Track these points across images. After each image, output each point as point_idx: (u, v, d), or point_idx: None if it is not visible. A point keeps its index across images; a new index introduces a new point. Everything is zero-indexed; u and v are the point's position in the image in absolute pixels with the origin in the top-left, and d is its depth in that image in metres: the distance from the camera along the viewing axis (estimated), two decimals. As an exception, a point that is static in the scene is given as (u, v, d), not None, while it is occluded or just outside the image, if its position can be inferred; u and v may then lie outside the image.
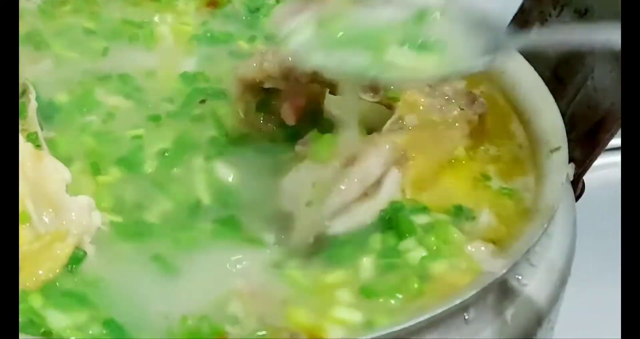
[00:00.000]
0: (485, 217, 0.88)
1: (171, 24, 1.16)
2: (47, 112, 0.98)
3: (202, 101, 1.02)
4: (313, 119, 0.97)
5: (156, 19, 1.16)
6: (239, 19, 1.17)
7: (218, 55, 1.11)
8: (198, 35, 1.14)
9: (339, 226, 0.86)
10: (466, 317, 0.77)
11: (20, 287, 0.79)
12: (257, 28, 1.16)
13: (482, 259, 0.82)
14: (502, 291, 0.80)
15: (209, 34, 1.14)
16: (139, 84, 1.05)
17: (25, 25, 1.12)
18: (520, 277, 0.82)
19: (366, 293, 0.80)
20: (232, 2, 1.20)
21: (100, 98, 1.02)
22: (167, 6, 1.19)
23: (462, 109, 0.96)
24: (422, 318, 0.73)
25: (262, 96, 0.97)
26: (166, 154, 0.94)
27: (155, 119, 1.00)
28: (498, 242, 0.85)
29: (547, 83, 1.00)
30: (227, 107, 1.00)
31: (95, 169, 0.92)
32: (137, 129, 0.98)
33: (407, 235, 0.84)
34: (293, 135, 0.96)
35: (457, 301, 0.74)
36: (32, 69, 1.04)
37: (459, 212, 0.88)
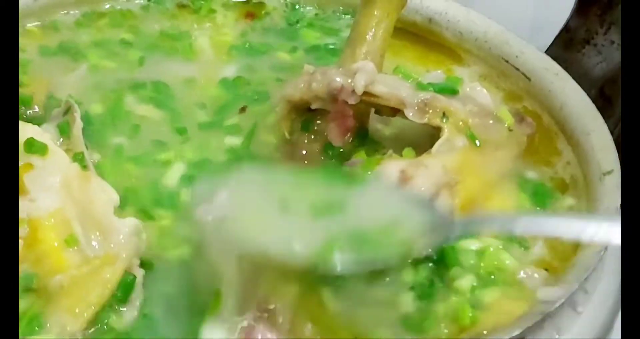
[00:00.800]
0: (539, 248, 0.87)
1: (210, 35, 1.15)
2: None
3: (243, 109, 1.02)
4: (359, 140, 0.96)
5: (195, 31, 1.15)
6: (277, 30, 1.17)
7: (258, 65, 1.10)
8: (237, 46, 1.13)
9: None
10: (523, 346, 0.76)
11: (70, 313, 0.79)
12: (298, 40, 1.15)
13: (536, 287, 0.81)
14: (558, 318, 0.79)
15: (247, 45, 1.13)
16: (173, 92, 1.05)
17: (60, 37, 1.12)
18: (575, 304, 0.81)
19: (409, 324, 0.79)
20: (271, 14, 1.19)
21: (129, 107, 1.02)
22: (205, 18, 1.18)
23: (510, 130, 0.95)
24: (480, 349, 0.72)
25: (308, 115, 0.95)
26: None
27: (181, 131, 0.99)
28: (551, 269, 0.84)
29: (593, 101, 0.99)
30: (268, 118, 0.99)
31: (148, 216, 0.90)
32: (163, 148, 0.97)
33: (457, 263, 0.83)
34: (339, 156, 0.95)
35: (517, 331, 0.73)
36: (67, 78, 1.05)
37: (511, 238, 0.87)
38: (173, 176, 0.94)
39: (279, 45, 1.14)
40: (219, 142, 0.98)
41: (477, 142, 0.91)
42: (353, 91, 0.90)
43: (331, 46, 1.14)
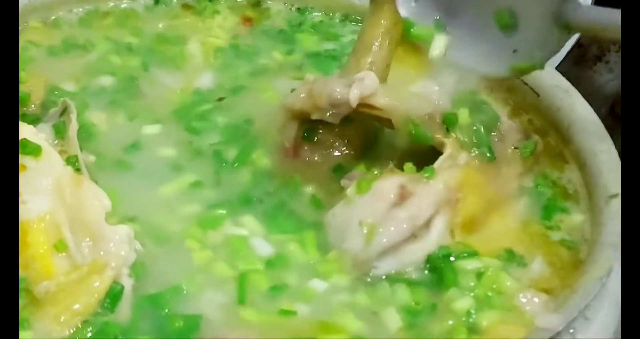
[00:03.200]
0: (538, 265, 0.85)
1: (203, 39, 1.13)
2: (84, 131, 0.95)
3: (220, 99, 1.01)
4: (360, 152, 0.94)
5: (191, 34, 1.13)
6: (274, 34, 1.15)
7: (238, 67, 1.09)
8: (222, 48, 1.11)
9: (385, 267, 0.83)
10: (518, 373, 0.74)
11: (56, 321, 0.77)
12: (295, 44, 1.14)
13: (535, 312, 0.79)
14: (556, 346, 0.77)
15: (235, 48, 1.12)
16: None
17: (63, 34, 1.11)
18: (573, 331, 0.78)
19: None
20: (273, 18, 1.17)
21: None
22: (207, 20, 1.17)
23: (515, 148, 0.93)
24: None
25: (309, 124, 0.93)
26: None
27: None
28: (550, 292, 0.82)
29: (603, 120, 0.97)
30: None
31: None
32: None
33: (455, 284, 0.81)
34: (339, 167, 0.93)
35: (513, 360, 0.71)
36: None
37: (510, 258, 0.85)
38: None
39: (271, 48, 1.12)
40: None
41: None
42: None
43: (331, 51, 1.13)
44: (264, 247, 0.84)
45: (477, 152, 0.89)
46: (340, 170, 0.93)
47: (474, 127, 0.90)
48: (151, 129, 0.99)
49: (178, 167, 0.93)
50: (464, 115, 0.90)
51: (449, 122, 0.90)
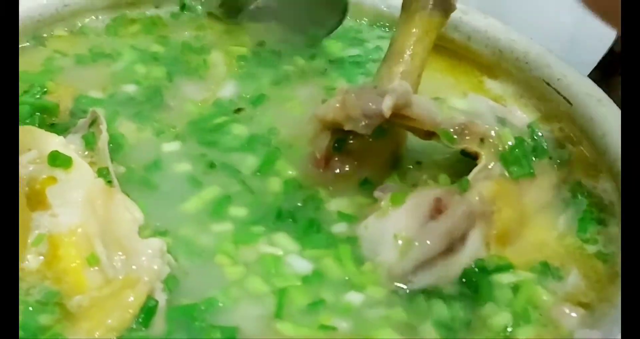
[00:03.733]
0: (574, 278, 0.84)
1: (227, 47, 1.12)
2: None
3: (238, 110, 1.00)
4: (393, 164, 0.93)
5: (215, 43, 1.12)
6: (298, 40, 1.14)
7: (261, 75, 1.08)
8: (245, 56, 1.10)
9: (421, 282, 0.82)
10: (558, 390, 0.73)
11: (90, 336, 0.76)
12: (319, 48, 1.13)
13: (573, 327, 0.78)
14: (594, 361, 0.76)
15: (253, 54, 1.11)
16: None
17: (90, 43, 1.10)
18: (613, 346, 0.78)
19: None
20: None
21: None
22: (231, 26, 1.15)
23: (550, 158, 0.91)
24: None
25: (340, 135, 0.92)
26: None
27: None
28: (587, 306, 0.81)
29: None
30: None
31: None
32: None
33: (491, 299, 0.80)
34: (367, 180, 0.92)
35: (555, 379, 0.70)
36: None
37: (545, 270, 0.84)
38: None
39: (293, 53, 1.11)
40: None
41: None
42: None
43: (356, 57, 1.12)
44: (299, 264, 0.84)
45: (515, 169, 0.88)
46: (368, 183, 0.92)
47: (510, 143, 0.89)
48: (171, 146, 0.97)
49: (198, 183, 0.92)
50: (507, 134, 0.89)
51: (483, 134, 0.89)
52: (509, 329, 0.79)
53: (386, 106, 0.87)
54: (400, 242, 0.82)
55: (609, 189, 0.93)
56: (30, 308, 0.76)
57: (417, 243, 0.81)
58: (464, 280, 0.82)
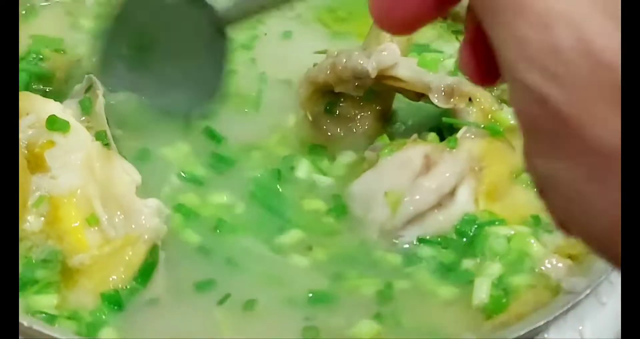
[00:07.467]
0: (563, 231, 0.86)
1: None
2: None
3: None
4: (383, 124, 0.95)
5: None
6: None
7: None
8: None
9: (411, 236, 0.85)
10: (546, 336, 0.76)
11: (91, 293, 0.78)
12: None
13: (561, 277, 0.80)
14: (582, 309, 0.78)
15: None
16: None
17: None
18: (600, 295, 0.80)
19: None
20: None
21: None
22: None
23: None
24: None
25: (332, 98, 0.94)
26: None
27: None
28: (575, 258, 0.83)
29: None
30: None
31: None
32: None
33: (484, 250, 0.83)
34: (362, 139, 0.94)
35: (541, 322, 0.73)
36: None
37: (537, 223, 0.86)
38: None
39: None
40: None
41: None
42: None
43: None
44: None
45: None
46: (363, 142, 0.94)
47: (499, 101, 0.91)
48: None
49: None
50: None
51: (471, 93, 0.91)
52: (502, 278, 0.81)
53: (371, 66, 0.89)
54: (390, 199, 0.84)
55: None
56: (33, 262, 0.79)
57: (406, 198, 0.84)
58: (456, 231, 0.84)
